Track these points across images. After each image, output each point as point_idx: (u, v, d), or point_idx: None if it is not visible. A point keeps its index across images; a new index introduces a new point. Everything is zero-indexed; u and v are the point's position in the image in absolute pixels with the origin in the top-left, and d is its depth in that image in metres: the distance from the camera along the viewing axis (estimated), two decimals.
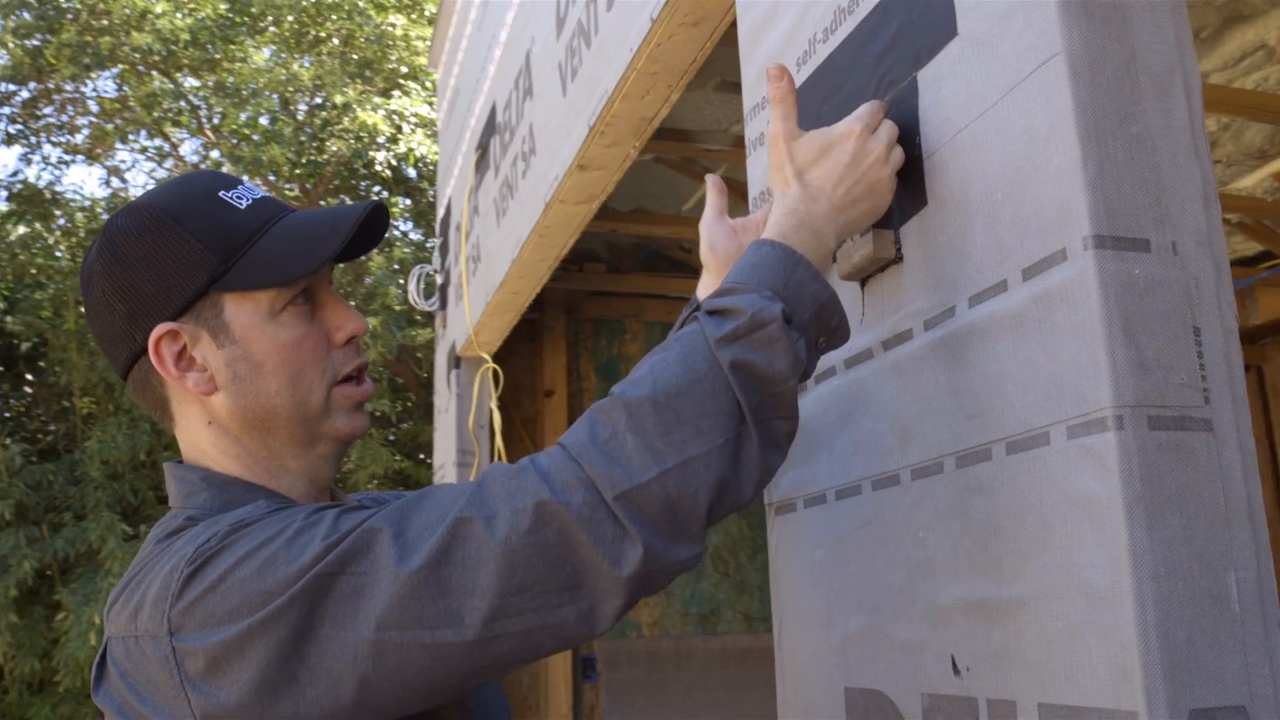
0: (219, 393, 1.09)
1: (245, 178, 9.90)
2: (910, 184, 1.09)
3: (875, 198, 1.06)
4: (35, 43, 9.29)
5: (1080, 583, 0.83)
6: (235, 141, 9.12)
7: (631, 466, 0.88)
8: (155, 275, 1.06)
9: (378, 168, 8.53)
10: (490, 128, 3.64)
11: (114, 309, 1.09)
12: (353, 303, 9.33)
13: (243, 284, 1.07)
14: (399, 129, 8.47)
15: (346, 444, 1.16)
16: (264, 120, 8.86)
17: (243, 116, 8.97)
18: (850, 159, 1.04)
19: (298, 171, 8.55)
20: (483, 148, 3.72)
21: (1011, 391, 0.93)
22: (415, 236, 10.14)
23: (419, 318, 8.80)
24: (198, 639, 0.90)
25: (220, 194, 1.10)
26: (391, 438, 9.87)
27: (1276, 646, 0.81)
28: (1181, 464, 0.82)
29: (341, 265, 9.33)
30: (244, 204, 1.10)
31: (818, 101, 1.29)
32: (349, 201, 10.38)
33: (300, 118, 8.91)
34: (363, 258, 10.13)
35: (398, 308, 8.53)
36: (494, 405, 3.64)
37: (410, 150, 8.39)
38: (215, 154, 9.55)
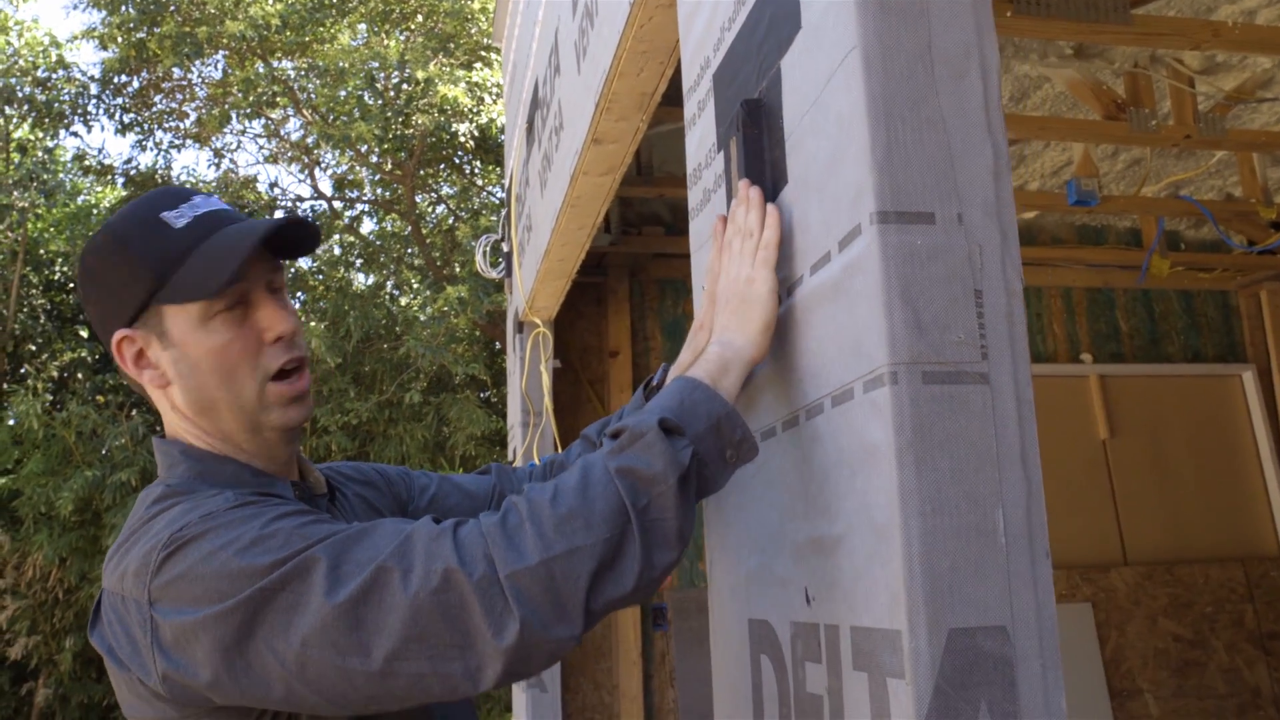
0: (171, 386, 1.27)
1: (334, 157, 10.19)
2: (778, 164, 1.20)
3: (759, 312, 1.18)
4: (141, 35, 9.73)
5: (871, 520, 0.95)
6: (330, 119, 9.45)
7: (524, 550, 1.02)
8: (110, 289, 1.25)
9: (461, 139, 8.76)
10: (535, 102, 3.78)
11: (92, 314, 1.29)
12: (445, 270, 9.61)
13: (174, 298, 1.23)
14: (480, 100, 8.68)
15: (289, 432, 1.31)
16: (354, 95, 9.15)
17: (342, 94, 9.29)
18: (742, 304, 1.20)
19: (386, 146, 8.83)
20: (530, 121, 3.87)
21: (833, 352, 1.04)
22: (502, 209, 10.37)
23: (502, 286, 9.03)
24: (167, 614, 1.09)
25: (162, 214, 1.25)
26: (489, 398, 10.16)
27: (1041, 575, 0.92)
28: (954, 413, 0.92)
29: (434, 235, 9.54)
30: (180, 223, 1.24)
31: (724, 85, 1.40)
32: (443, 173, 10.69)
33: (387, 94, 9.18)
34: (453, 224, 10.37)
35: (492, 277, 8.78)
36: (544, 368, 3.80)
37: (492, 120, 8.59)
38: (309, 133, 9.89)
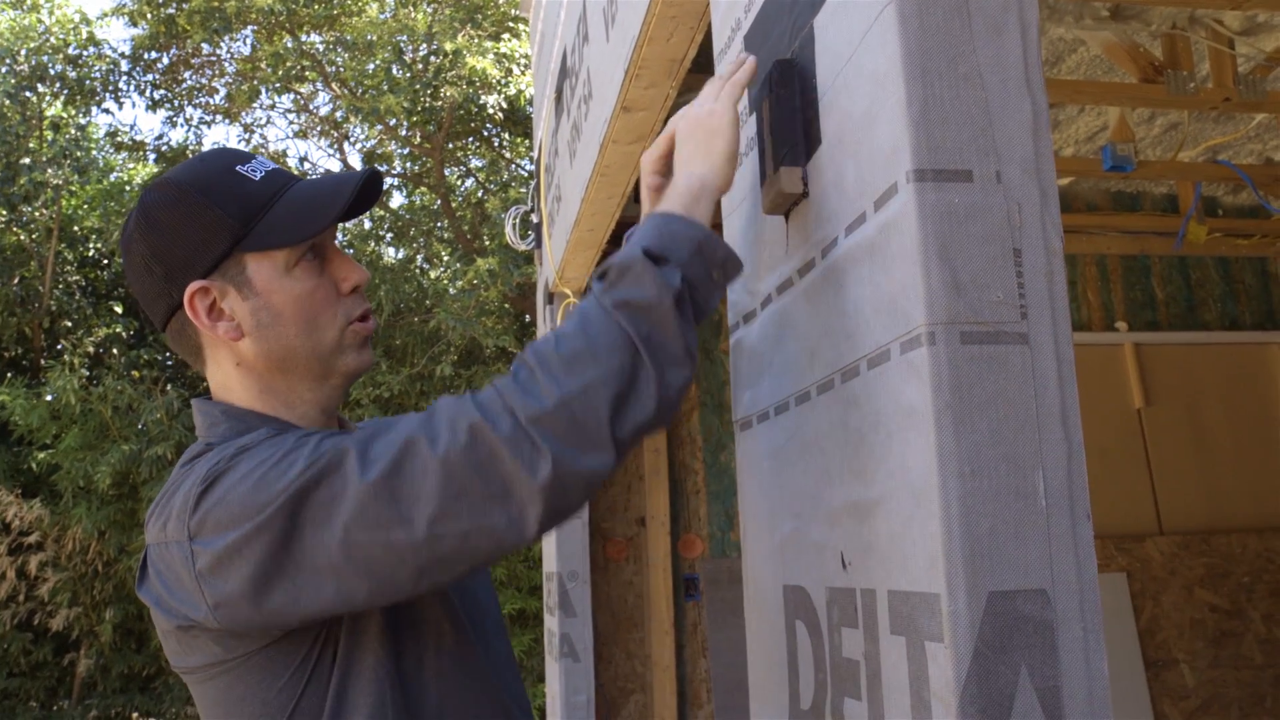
0: (245, 339, 1.27)
1: (363, 130, 10.20)
2: (811, 125, 1.18)
3: (722, 142, 1.21)
4: (170, 11, 9.76)
5: (909, 483, 0.94)
6: (359, 92, 9.45)
7: (540, 395, 1.04)
8: (186, 240, 1.25)
9: (490, 110, 8.74)
10: (563, 72, 3.76)
11: (152, 270, 1.27)
12: (476, 243, 9.62)
13: (260, 245, 1.25)
14: (508, 71, 8.65)
15: (354, 378, 1.35)
16: (382, 68, 9.15)
17: (370, 67, 9.29)
18: (706, 135, 1.23)
19: (414, 119, 8.83)
20: (558, 91, 3.85)
21: (869, 313, 1.02)
22: (531, 180, 10.36)
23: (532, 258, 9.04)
24: (208, 542, 1.11)
25: (237, 168, 1.28)
26: None
27: (1082, 537, 0.90)
28: (993, 374, 0.91)
29: (464, 208, 9.55)
30: (258, 176, 1.28)
31: (756, 47, 1.38)
32: (472, 145, 10.68)
33: (414, 67, 9.17)
34: (483, 197, 10.37)
35: (522, 249, 8.80)
36: None
37: (520, 91, 8.57)
38: (343, 105, 9.90)
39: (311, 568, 1.07)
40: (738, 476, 1.49)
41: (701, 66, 2.71)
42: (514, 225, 4.68)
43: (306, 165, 11.65)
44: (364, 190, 1.30)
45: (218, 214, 1.24)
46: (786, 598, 1.28)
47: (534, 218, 4.75)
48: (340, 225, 1.37)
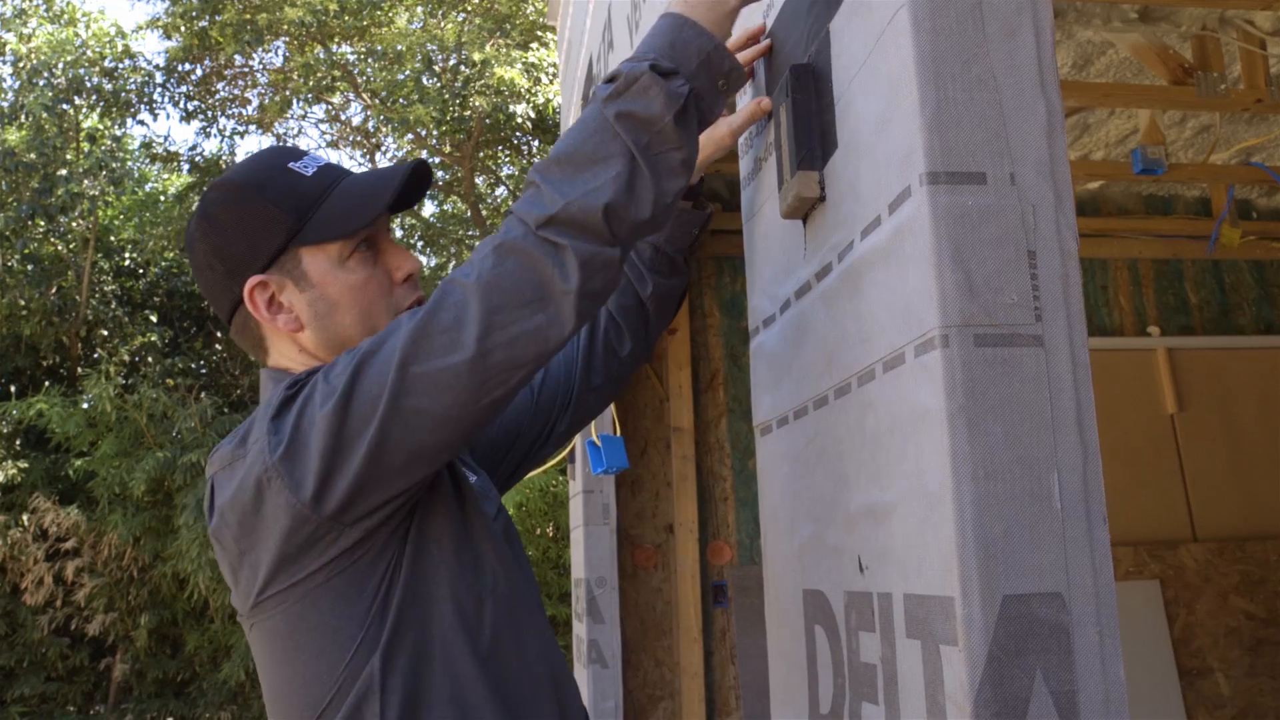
0: (305, 330, 1.33)
1: (393, 140, 10.28)
2: (827, 129, 1.18)
3: None
4: (203, 24, 9.87)
5: (923, 487, 0.93)
6: (390, 103, 9.52)
7: (546, 204, 1.13)
8: (244, 237, 1.31)
9: (518, 120, 8.78)
10: (589, 79, 3.77)
11: (214, 268, 1.33)
12: None
13: (315, 238, 1.30)
14: (537, 80, 8.69)
15: None
16: (412, 78, 9.21)
17: (400, 77, 9.35)
18: None
19: (444, 128, 8.88)
20: (584, 98, 3.86)
21: (884, 316, 1.02)
22: None
23: None
24: (283, 429, 1.16)
25: (290, 165, 1.33)
26: None
27: (1099, 541, 0.90)
28: (1007, 377, 0.90)
29: (494, 216, 9.59)
30: (309, 172, 1.33)
31: (774, 51, 1.39)
32: (502, 154, 10.73)
33: (444, 76, 9.22)
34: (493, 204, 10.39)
35: None
36: None
37: (549, 100, 8.60)
38: (370, 117, 9.97)
39: (379, 415, 1.12)
40: (758, 481, 1.49)
41: None
42: None
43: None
44: (413, 181, 1.35)
45: (273, 211, 1.29)
46: (806, 602, 1.28)
47: None
48: (395, 219, 1.41)
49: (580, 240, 1.11)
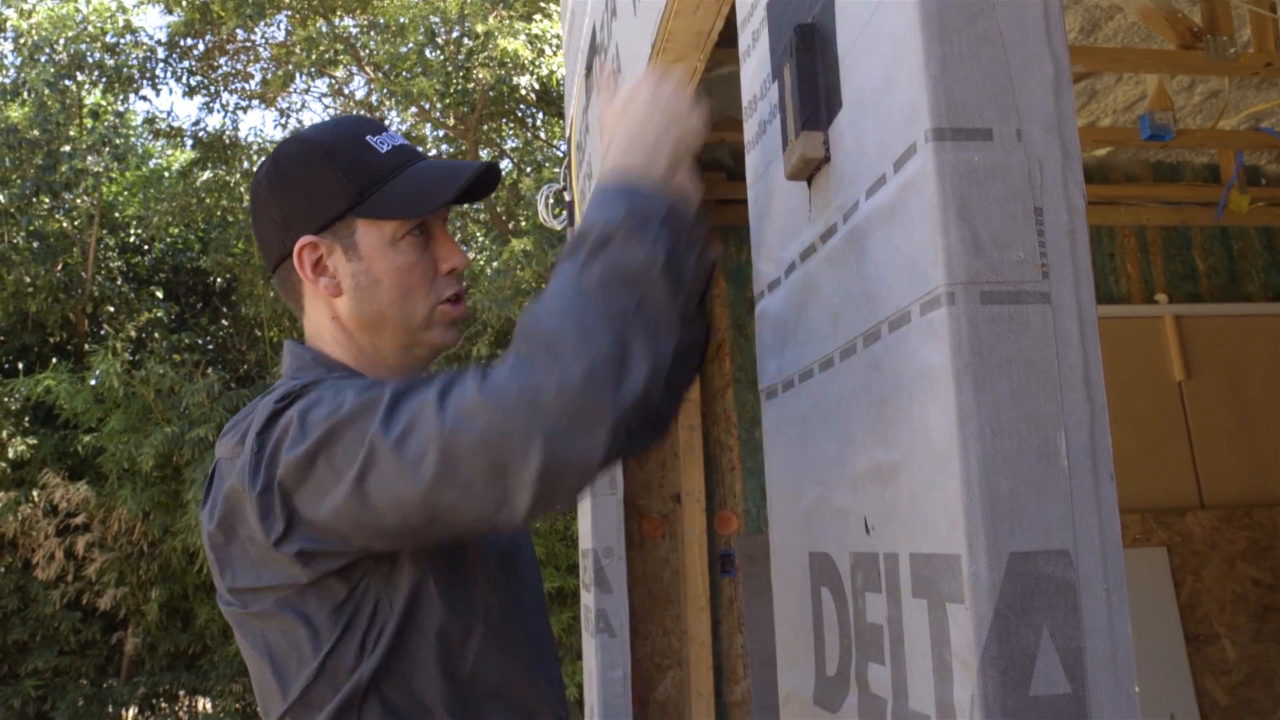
0: (343, 296, 1.35)
1: (396, 114, 10.26)
2: (832, 88, 1.17)
3: (680, 122, 1.28)
4: None
5: (929, 445, 0.93)
6: (393, 76, 9.49)
7: (533, 382, 1.05)
8: (306, 196, 1.34)
9: (522, 92, 8.75)
10: (593, 48, 3.75)
11: (272, 216, 1.37)
12: (511, 224, 9.65)
13: (373, 214, 1.33)
14: (540, 52, 8.65)
15: (437, 352, 1.42)
16: (415, 51, 9.17)
17: (403, 49, 9.31)
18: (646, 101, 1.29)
19: (447, 101, 8.86)
20: (588, 67, 3.84)
21: (890, 275, 1.02)
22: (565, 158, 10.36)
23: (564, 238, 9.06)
24: (263, 456, 1.19)
25: (367, 138, 1.36)
26: None
27: (1106, 498, 0.89)
28: (1014, 334, 0.90)
29: (501, 189, 9.57)
30: (384, 149, 1.35)
31: (778, 13, 1.37)
32: (506, 127, 10.70)
33: (447, 49, 9.18)
34: (517, 178, 10.40)
35: (558, 229, 8.82)
36: None
37: (553, 72, 8.56)
38: (374, 90, 9.95)
39: (340, 493, 1.13)
40: (764, 446, 1.48)
41: (729, 40, 2.69)
42: (547, 204, 4.68)
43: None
44: (482, 178, 1.37)
45: (339, 178, 1.32)
46: (812, 565, 1.28)
47: (567, 196, 4.75)
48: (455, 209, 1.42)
49: (560, 434, 1.03)
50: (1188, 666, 4.60)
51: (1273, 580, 4.82)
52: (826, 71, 1.19)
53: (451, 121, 9.58)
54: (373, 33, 9.57)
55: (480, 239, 10.55)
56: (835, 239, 1.17)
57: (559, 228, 4.79)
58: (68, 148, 10.17)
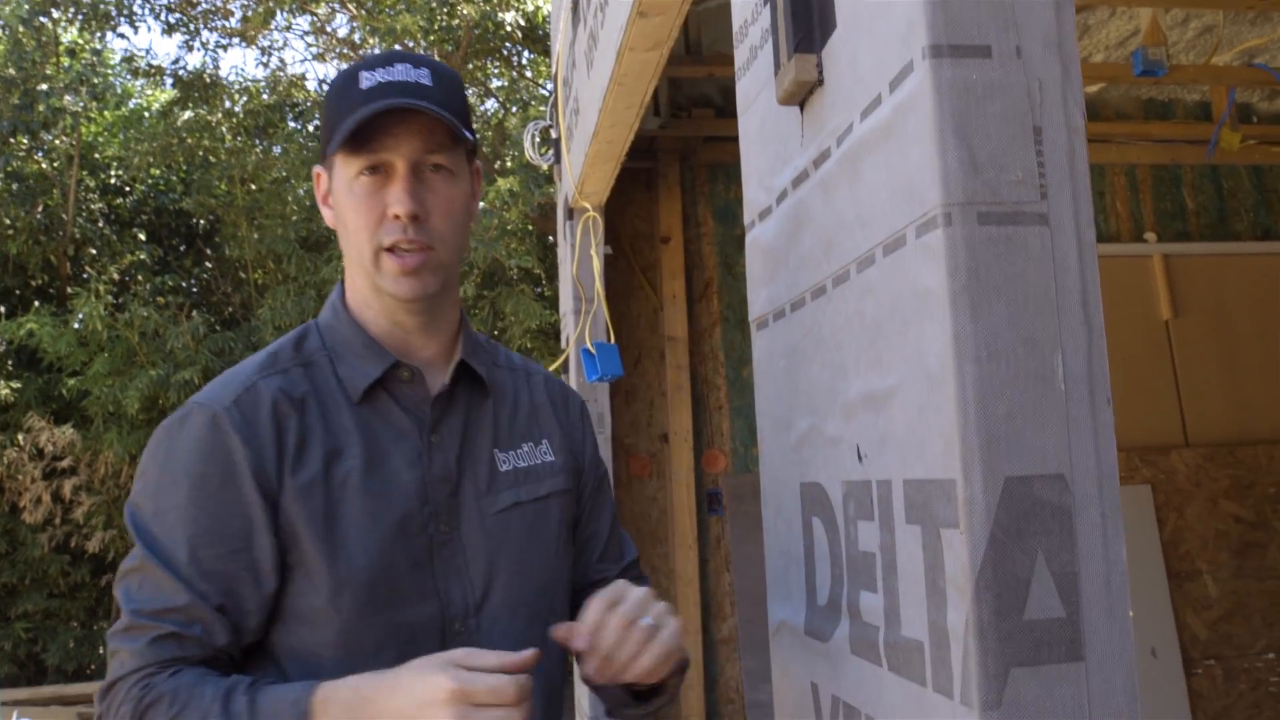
0: (338, 230, 1.36)
1: (380, 52, 10.11)
2: (826, 9, 1.14)
3: None
4: None
5: (925, 369, 0.92)
6: (376, 12, 9.33)
7: None
8: (323, 127, 1.36)
9: (508, 28, 8.61)
10: None
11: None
12: (497, 164, 9.55)
13: (329, 150, 1.31)
14: None
15: (402, 302, 1.34)
16: None
17: None
18: None
19: (432, 38, 8.71)
20: (575, 1, 3.77)
21: (885, 198, 0.99)
22: (550, 96, 10.23)
23: (552, 175, 8.96)
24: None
25: (360, 72, 1.32)
26: (542, 293, 10.16)
27: (1102, 422, 0.88)
28: (1011, 256, 0.88)
29: (487, 128, 9.43)
30: (366, 84, 1.30)
31: None
32: (491, 65, 10.55)
33: None
34: (503, 117, 10.27)
35: (544, 168, 8.72)
36: (594, 253, 3.78)
37: (539, 8, 8.42)
38: (356, 28, 9.79)
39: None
40: (755, 376, 1.47)
41: None
42: (533, 141, 4.63)
43: (326, 88, 11.53)
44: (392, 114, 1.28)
45: (325, 115, 1.34)
46: (804, 495, 1.27)
47: (553, 133, 4.69)
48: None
49: None
50: (1169, 602, 4.65)
51: (1255, 518, 4.86)
52: None
53: (435, 59, 9.44)
54: None
55: None
56: (829, 164, 1.15)
57: (545, 165, 4.74)
58: (45, 86, 9.99)
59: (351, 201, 1.30)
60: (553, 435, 1.46)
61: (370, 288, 1.34)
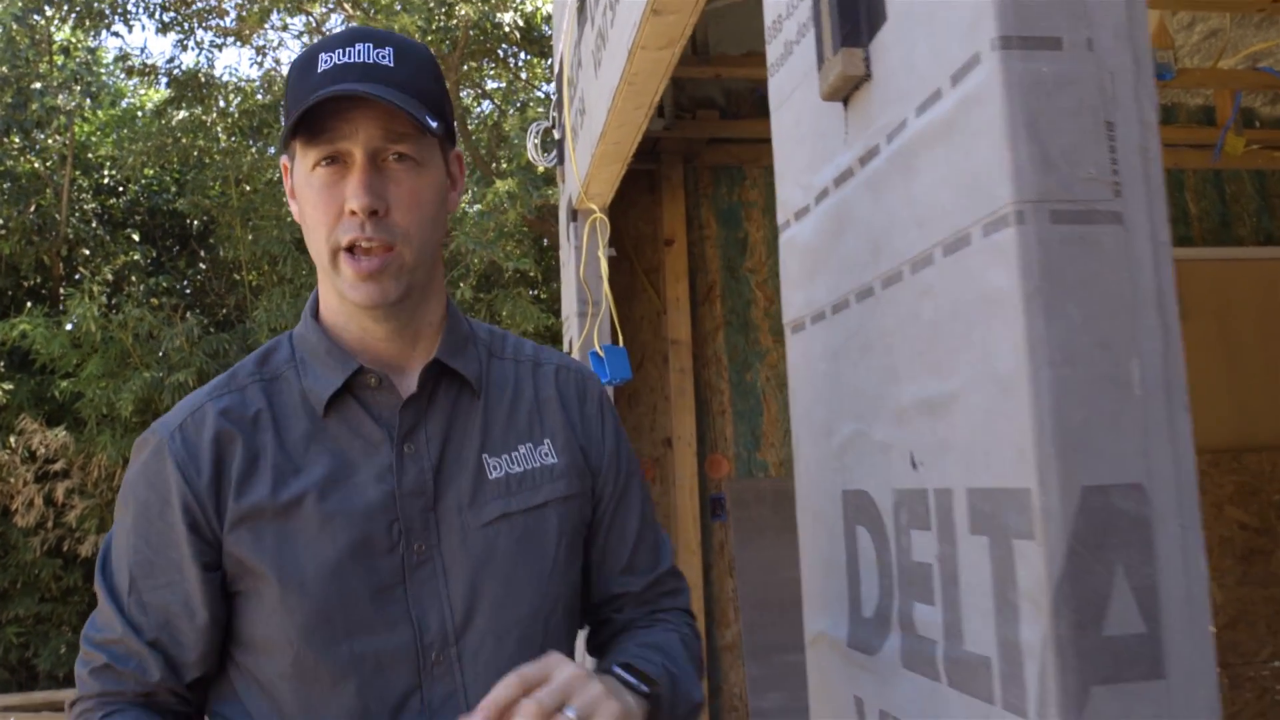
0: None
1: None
2: (875, 1, 1.11)
3: None
4: None
5: (993, 373, 0.88)
6: (371, 13, 9.29)
7: None
8: (284, 114, 1.25)
9: (506, 29, 8.58)
10: None
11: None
12: (494, 164, 9.51)
13: (285, 139, 1.20)
14: None
15: (365, 308, 1.22)
16: None
17: None
18: None
19: (429, 38, 8.67)
20: (581, 1, 3.74)
21: (945, 195, 0.96)
22: (552, 97, 10.21)
23: (554, 177, 8.93)
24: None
25: (321, 54, 1.19)
26: (539, 295, 10.13)
27: (1180, 429, 0.85)
28: (1086, 256, 0.85)
29: (480, 130, 9.39)
30: (323, 66, 1.18)
31: None
32: (488, 67, 10.51)
33: None
34: (500, 119, 10.22)
35: (541, 170, 8.68)
36: (601, 255, 3.74)
37: (537, 9, 8.39)
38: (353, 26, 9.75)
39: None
40: (789, 380, 1.43)
41: None
42: (535, 142, 4.59)
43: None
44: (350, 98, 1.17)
45: (287, 100, 1.23)
46: (846, 503, 1.23)
47: (556, 133, 4.65)
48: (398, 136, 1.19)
49: None
50: None
51: (1259, 524, 4.84)
52: None
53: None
54: None
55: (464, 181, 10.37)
56: (878, 161, 1.11)
57: (547, 166, 4.70)
58: (38, 85, 9.93)
59: (310, 195, 1.19)
60: (556, 434, 1.32)
61: (334, 292, 1.24)
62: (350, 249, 1.18)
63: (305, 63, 1.20)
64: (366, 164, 1.17)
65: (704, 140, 4.82)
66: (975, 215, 0.90)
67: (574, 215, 4.26)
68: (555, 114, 4.69)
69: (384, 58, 1.18)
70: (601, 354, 3.50)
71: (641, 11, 2.59)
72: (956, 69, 0.93)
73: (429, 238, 1.22)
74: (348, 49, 1.18)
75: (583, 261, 3.86)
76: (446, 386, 1.27)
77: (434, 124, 1.18)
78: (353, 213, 1.17)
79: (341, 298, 1.23)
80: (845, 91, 1.18)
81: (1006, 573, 0.86)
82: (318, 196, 1.18)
